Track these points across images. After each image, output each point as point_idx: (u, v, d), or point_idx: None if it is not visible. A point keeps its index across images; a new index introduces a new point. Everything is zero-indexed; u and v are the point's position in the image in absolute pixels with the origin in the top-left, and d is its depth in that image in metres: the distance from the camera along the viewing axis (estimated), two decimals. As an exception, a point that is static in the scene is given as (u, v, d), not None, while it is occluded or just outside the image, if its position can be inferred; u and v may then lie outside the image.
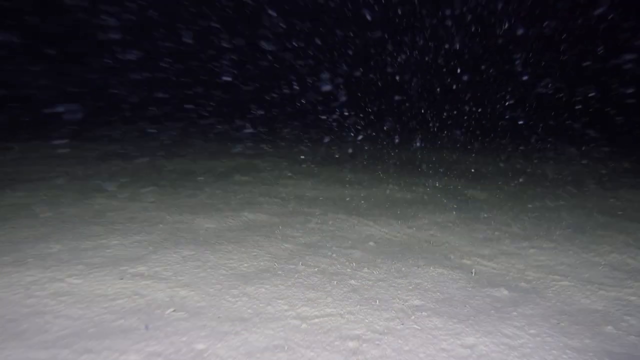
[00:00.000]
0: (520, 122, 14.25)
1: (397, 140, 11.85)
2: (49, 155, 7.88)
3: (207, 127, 11.81)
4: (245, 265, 3.56)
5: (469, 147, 11.51)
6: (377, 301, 3.07)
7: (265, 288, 3.18)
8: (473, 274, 3.62)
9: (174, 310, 2.83)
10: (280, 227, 4.51)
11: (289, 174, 7.09)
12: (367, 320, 2.82)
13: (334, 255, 3.86)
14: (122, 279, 3.20)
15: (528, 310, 3.06)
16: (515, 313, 3.00)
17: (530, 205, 5.92)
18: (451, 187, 6.87)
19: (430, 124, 14.72)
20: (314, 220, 4.81)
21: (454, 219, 5.11)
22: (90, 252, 3.64)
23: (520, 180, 7.68)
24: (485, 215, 5.31)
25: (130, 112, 12.63)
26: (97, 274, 3.25)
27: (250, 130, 12.12)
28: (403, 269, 3.63)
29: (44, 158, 7.62)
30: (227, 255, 3.73)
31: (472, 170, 8.55)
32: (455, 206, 5.69)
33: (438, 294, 3.23)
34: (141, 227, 4.33)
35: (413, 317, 2.89)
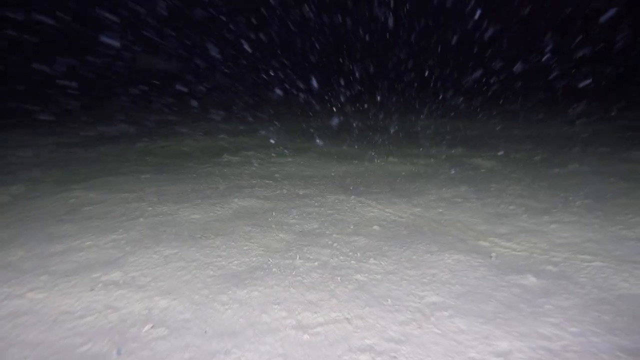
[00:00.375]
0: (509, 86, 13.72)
1: (392, 110, 11.34)
2: (28, 143, 7.35)
3: (192, 108, 11.24)
4: (236, 262, 3.11)
5: (467, 112, 11.01)
6: (389, 300, 2.63)
7: (258, 291, 2.74)
8: (493, 259, 3.18)
9: (152, 327, 2.38)
10: (273, 214, 4.05)
11: (281, 152, 6.60)
12: (379, 326, 2.38)
13: (335, 244, 3.40)
14: (92, 289, 2.74)
15: (563, 301, 2.63)
16: (549, 306, 2.57)
17: (541, 173, 5.47)
18: (454, 156, 6.41)
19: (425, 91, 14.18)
20: (310, 203, 4.34)
21: (462, 193, 4.66)
22: (58, 258, 3.17)
23: (526, 146, 7.21)
24: (496, 187, 4.86)
25: (115, 94, 12.03)
26: (64, 285, 2.79)
27: (237, 109, 11.56)
28: (414, 257, 3.19)
29: (21, 146, 7.09)
30: (214, 251, 3.28)
31: (472, 137, 8.08)
32: (461, 178, 5.23)
33: (457, 286, 2.79)
34: (119, 222, 3.86)
35: (432, 318, 2.46)
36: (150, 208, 4.21)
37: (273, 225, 3.78)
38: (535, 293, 2.72)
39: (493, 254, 3.24)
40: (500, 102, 11.97)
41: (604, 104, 10.58)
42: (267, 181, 5.09)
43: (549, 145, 7.30)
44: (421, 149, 6.90)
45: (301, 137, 7.95)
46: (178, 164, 6.06)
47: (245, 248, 3.33)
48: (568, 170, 5.57)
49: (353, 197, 4.50)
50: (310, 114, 10.91)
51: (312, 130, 8.71)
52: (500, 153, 6.67)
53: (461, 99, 12.86)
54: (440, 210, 4.17)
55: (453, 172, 5.53)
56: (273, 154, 6.42)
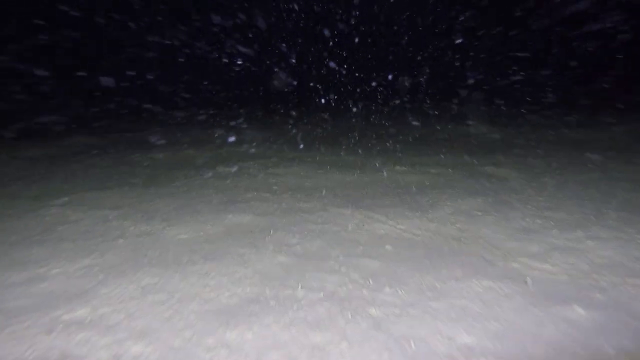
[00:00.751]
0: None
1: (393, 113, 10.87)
2: (8, 156, 6.87)
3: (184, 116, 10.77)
4: (226, 294, 2.60)
5: (469, 115, 10.53)
6: (412, 343, 2.12)
7: (253, 331, 2.22)
8: (529, 285, 2.67)
9: (118, 385, 1.87)
10: (271, 232, 3.54)
11: (279, 161, 6.10)
12: (402, 380, 1.87)
13: (342, 269, 2.89)
14: (51, 332, 2.23)
15: (626, 341, 2.12)
16: (611, 350, 2.06)
17: (562, 180, 4.98)
18: (464, 165, 5.91)
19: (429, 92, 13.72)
20: (312, 219, 3.83)
21: (480, 205, 4.15)
22: (18, 290, 2.66)
23: (536, 151, 6.72)
24: (516, 198, 4.35)
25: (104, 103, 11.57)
26: (16, 327, 2.28)
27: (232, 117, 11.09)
28: (437, 284, 2.68)
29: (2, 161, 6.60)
30: (202, 279, 2.77)
31: (479, 144, 7.59)
32: (477, 188, 4.73)
33: (493, 322, 2.28)
34: (96, 244, 3.35)
35: (468, 368, 1.94)
36: (132, 227, 3.70)
37: (271, 246, 3.27)
38: (588, 330, 2.21)
39: (528, 279, 2.73)
40: (498, 107, 11.52)
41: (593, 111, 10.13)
42: (264, 194, 4.59)
43: (560, 151, 6.81)
44: (429, 157, 6.40)
45: (302, 144, 7.46)
46: (169, 176, 5.56)
47: (237, 275, 2.82)
48: (589, 178, 5.08)
49: (360, 211, 3.99)
50: (310, 119, 10.43)
51: (312, 137, 8.22)
52: (512, 160, 6.18)
53: (456, 105, 12.41)
54: (459, 225, 3.66)
55: (467, 181, 5.03)
56: (271, 164, 5.92)
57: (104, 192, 4.88)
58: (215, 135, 8.48)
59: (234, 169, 5.73)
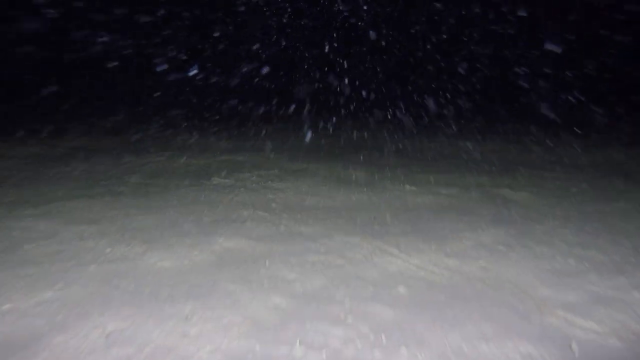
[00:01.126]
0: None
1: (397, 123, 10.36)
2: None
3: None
4: (208, 348, 2.09)
5: (477, 132, 10.04)
6: None
7: (236, 410, 1.71)
8: (575, 352, 2.16)
9: None
10: (267, 263, 3.04)
11: (279, 174, 5.59)
12: None
13: (349, 318, 2.39)
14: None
15: None
16: None
17: (586, 209, 4.48)
18: (478, 186, 5.41)
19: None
20: (314, 247, 3.33)
21: (503, 237, 3.65)
22: (-47, 333, 2.15)
23: (553, 173, 6.23)
24: (541, 230, 3.85)
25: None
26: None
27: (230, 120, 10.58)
28: (464, 346, 2.17)
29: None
30: (180, 326, 2.26)
31: (489, 161, 7.09)
32: (495, 215, 4.23)
33: (541, 410, 1.77)
34: (64, 270, 2.85)
35: None
36: (109, 249, 3.19)
37: (265, 282, 2.76)
38: None
39: (574, 344, 2.22)
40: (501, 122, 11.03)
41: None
42: (261, 213, 4.08)
43: (577, 173, 6.32)
44: (438, 174, 5.89)
45: (303, 155, 6.96)
46: (161, 186, 5.06)
47: (224, 321, 2.32)
48: (618, 208, 4.58)
49: (368, 239, 3.49)
50: (314, 128, 9.93)
51: (313, 147, 7.72)
52: (527, 182, 5.68)
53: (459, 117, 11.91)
54: (482, 263, 3.15)
55: (483, 206, 4.53)
56: (271, 177, 5.42)
57: (87, 201, 4.38)
58: (215, 141, 8.00)
59: (231, 180, 5.23)
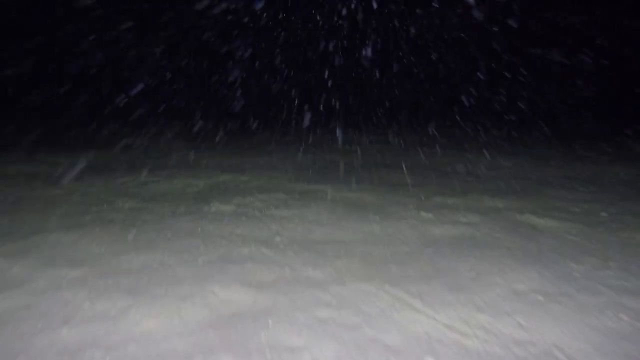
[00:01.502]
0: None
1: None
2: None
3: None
4: None
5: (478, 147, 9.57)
6: None
7: None
8: None
9: None
10: (270, 323, 2.56)
11: (284, 197, 5.12)
12: None
13: (371, 410, 1.90)
14: None
15: None
16: None
17: (625, 243, 3.99)
18: (499, 211, 4.92)
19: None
20: (324, 298, 2.85)
21: (538, 282, 3.16)
22: None
23: (578, 195, 5.74)
24: (579, 271, 3.36)
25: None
26: None
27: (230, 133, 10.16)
28: None
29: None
30: None
31: (505, 181, 6.61)
32: (524, 250, 3.74)
33: None
34: (28, 336, 2.37)
35: None
36: (88, 302, 2.72)
37: (268, 352, 2.28)
38: None
39: None
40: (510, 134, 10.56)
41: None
42: (264, 249, 3.61)
43: (603, 192, 5.84)
44: (454, 198, 5.41)
45: (307, 173, 6.50)
46: (156, 213, 4.60)
47: (216, 417, 1.83)
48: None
49: (386, 287, 3.00)
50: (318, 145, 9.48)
51: (318, 164, 7.26)
52: (551, 205, 5.19)
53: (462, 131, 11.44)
54: (519, 319, 2.66)
55: (509, 238, 4.04)
56: (275, 202, 4.94)
57: (73, 233, 3.93)
58: (216, 159, 7.54)
59: (232, 206, 4.76)
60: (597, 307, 2.81)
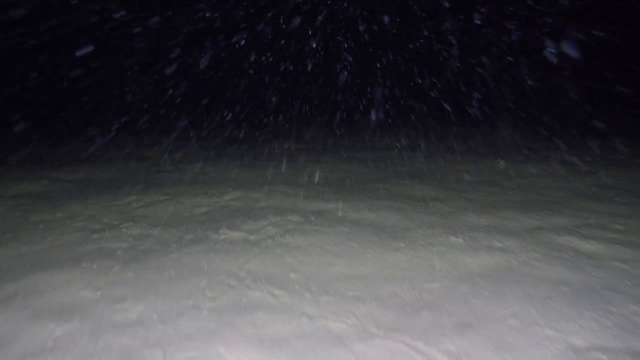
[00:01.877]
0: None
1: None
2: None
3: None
4: None
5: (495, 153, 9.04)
6: None
7: None
8: None
9: None
10: (285, 402, 2.11)
11: (299, 221, 4.67)
12: None
13: None
14: None
15: None
16: None
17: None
18: (535, 231, 4.42)
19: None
20: (349, 363, 2.39)
21: (600, 335, 2.67)
22: None
23: (611, 202, 5.22)
24: (644, 316, 2.86)
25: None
26: None
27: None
28: None
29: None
30: None
31: (536, 192, 6.10)
32: (572, 285, 3.25)
33: None
34: None
35: None
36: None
37: None
38: None
39: None
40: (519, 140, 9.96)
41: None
42: (277, 292, 3.16)
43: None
44: (483, 215, 4.91)
45: (322, 188, 6.04)
46: (160, 241, 4.20)
47: None
48: None
49: (418, 346, 2.54)
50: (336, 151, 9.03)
51: (336, 179, 6.80)
52: (593, 221, 4.68)
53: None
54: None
55: (552, 268, 3.55)
56: (289, 225, 4.50)
57: (66, 273, 3.53)
58: (226, 169, 7.13)
59: (242, 233, 4.32)
60: (676, 372, 2.32)
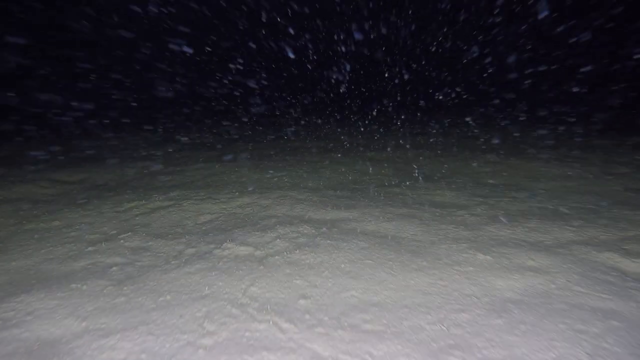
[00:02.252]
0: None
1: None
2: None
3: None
4: None
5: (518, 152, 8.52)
6: None
7: None
8: None
9: None
10: None
11: (309, 233, 4.26)
12: None
13: None
14: None
15: None
16: None
17: None
18: (568, 244, 3.96)
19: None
20: None
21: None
22: None
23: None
24: None
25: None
26: None
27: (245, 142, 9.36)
28: None
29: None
30: None
31: (559, 195, 5.62)
32: (622, 318, 2.80)
33: None
34: None
35: None
36: None
37: None
38: None
39: None
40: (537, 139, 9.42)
41: None
42: (284, 325, 2.75)
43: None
44: (513, 227, 4.46)
45: (333, 193, 5.62)
46: (160, 255, 3.81)
47: None
48: None
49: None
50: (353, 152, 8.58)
51: (350, 182, 6.37)
52: (636, 237, 4.20)
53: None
54: None
55: (597, 297, 3.09)
56: (299, 239, 4.09)
57: (53, 297, 3.16)
58: (235, 175, 6.73)
59: (249, 247, 3.92)
60: None
